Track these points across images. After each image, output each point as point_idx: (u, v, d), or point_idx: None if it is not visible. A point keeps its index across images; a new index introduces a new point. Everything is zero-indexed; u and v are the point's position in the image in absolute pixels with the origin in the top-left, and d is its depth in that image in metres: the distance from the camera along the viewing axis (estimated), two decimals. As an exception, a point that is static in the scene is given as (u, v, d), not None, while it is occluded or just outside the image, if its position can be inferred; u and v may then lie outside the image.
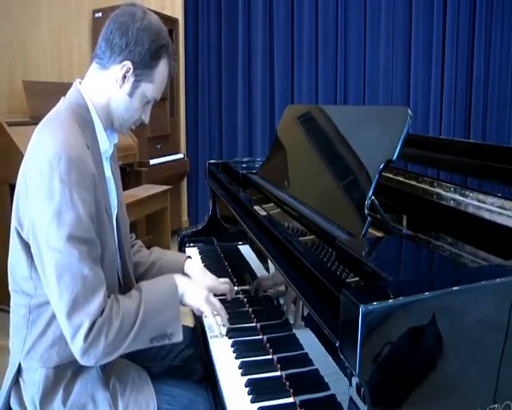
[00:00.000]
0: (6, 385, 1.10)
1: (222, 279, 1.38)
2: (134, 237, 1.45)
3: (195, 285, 1.21)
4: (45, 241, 0.95)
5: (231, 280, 1.58)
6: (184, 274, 1.33)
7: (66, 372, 1.06)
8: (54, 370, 1.05)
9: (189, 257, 1.40)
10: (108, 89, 1.10)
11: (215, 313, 1.21)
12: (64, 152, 0.95)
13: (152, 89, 1.11)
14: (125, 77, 1.08)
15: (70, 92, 1.11)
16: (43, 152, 0.97)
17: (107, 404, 1.05)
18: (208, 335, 1.27)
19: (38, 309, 1.05)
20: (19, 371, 1.09)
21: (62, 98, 1.12)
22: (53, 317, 1.02)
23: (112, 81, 1.09)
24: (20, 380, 1.09)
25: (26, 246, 1.03)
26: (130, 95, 1.10)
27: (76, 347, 0.96)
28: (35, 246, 0.99)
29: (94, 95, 1.11)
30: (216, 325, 1.21)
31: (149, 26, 1.07)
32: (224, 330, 1.24)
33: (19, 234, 1.04)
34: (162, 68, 1.11)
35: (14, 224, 1.05)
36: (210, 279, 1.34)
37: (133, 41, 1.05)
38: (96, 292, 0.96)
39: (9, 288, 1.11)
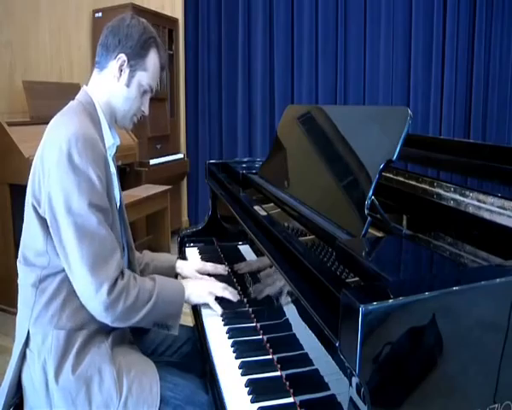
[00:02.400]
0: (13, 362, 1.13)
1: (208, 263, 1.58)
2: None
3: (197, 285, 1.35)
4: (65, 208, 1.04)
5: (231, 280, 1.59)
6: (176, 274, 1.54)
7: (76, 339, 1.11)
8: (64, 333, 1.10)
9: (179, 257, 1.60)
10: (108, 85, 1.23)
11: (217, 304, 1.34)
12: (81, 133, 1.07)
13: (146, 76, 1.23)
14: (121, 70, 1.21)
15: (79, 94, 1.24)
16: (61, 133, 1.07)
17: (113, 380, 1.09)
18: (208, 336, 1.27)
19: (48, 278, 1.12)
20: (27, 341, 1.12)
21: (72, 101, 1.23)
22: (62, 282, 1.11)
23: (110, 77, 1.22)
24: (28, 352, 1.12)
25: (43, 222, 1.10)
26: (128, 85, 1.22)
27: (99, 301, 1.05)
28: (52, 217, 1.07)
29: (97, 94, 1.23)
30: (219, 310, 1.34)
31: (137, 23, 1.22)
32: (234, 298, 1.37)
33: (36, 211, 1.11)
34: (153, 57, 1.23)
35: (30, 201, 1.12)
36: (197, 264, 1.59)
37: (124, 36, 1.19)
38: (113, 253, 1.08)
39: (18, 262, 1.17)
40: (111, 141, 1.24)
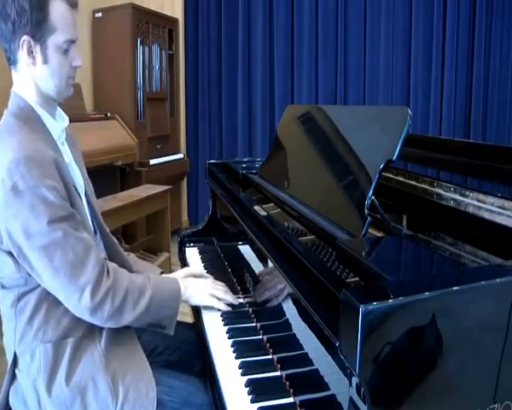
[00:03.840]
0: (4, 383, 1.12)
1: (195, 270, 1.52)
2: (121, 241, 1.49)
3: (197, 286, 1.31)
4: (26, 237, 0.99)
5: (231, 280, 1.59)
6: None
7: (64, 349, 1.08)
8: (52, 345, 1.07)
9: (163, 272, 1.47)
10: (29, 75, 1.10)
11: (221, 302, 1.30)
12: (20, 156, 0.99)
13: (59, 34, 1.07)
14: (31, 52, 1.06)
15: (10, 101, 1.13)
16: (1, 163, 1.00)
17: (108, 387, 1.06)
18: (208, 336, 1.27)
19: (26, 296, 1.08)
20: (15, 362, 1.10)
21: (5, 111, 1.13)
22: (42, 296, 1.07)
23: (26, 67, 1.08)
24: (17, 371, 1.10)
25: (10, 253, 1.05)
26: (46, 61, 1.08)
27: (84, 307, 1.03)
28: (16, 248, 1.02)
29: (26, 91, 1.11)
30: (225, 308, 1.31)
31: None
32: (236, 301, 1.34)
33: None
34: (57, 8, 1.06)
35: None
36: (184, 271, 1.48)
37: (15, 15, 1.02)
38: (87, 254, 1.04)
39: None
40: (59, 128, 1.16)
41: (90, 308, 1.03)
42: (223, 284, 1.36)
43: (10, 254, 1.05)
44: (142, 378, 1.10)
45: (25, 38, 1.04)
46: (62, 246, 1.01)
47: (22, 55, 1.06)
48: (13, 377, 1.11)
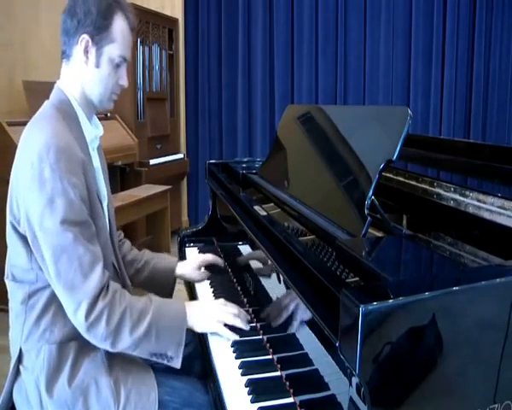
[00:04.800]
0: (8, 378, 1.12)
1: (208, 254, 1.55)
2: (122, 234, 1.50)
3: (203, 312, 1.19)
4: (40, 227, 1.00)
5: (231, 280, 1.59)
6: (174, 277, 1.46)
7: (69, 350, 1.08)
8: (57, 346, 1.08)
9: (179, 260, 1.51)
10: (78, 73, 1.14)
11: (228, 331, 1.18)
12: (52, 142, 1.00)
13: (116, 48, 1.13)
14: (87, 51, 1.11)
15: (52, 93, 1.16)
16: (32, 146, 1.02)
17: (110, 390, 1.07)
18: (208, 336, 1.27)
19: (37, 294, 1.08)
20: (19, 358, 1.10)
21: (46, 102, 1.16)
22: (51, 297, 1.07)
23: (78, 63, 1.13)
24: (21, 368, 1.10)
25: (25, 240, 1.06)
26: (98, 65, 1.13)
27: (78, 325, 1.01)
28: (31, 235, 1.03)
29: (70, 88, 1.15)
30: (232, 337, 1.18)
31: None
32: (246, 327, 1.20)
33: (15, 229, 1.07)
34: (119, 23, 1.13)
35: (9, 219, 1.08)
36: (196, 260, 1.52)
37: (82, 14, 1.09)
38: (93, 269, 1.01)
39: (6, 279, 1.13)
40: (92, 134, 1.18)
41: (85, 325, 1.00)
42: (234, 305, 1.23)
43: (24, 241, 1.06)
44: (143, 381, 1.11)
45: (84, 36, 1.10)
46: (69, 252, 0.99)
47: (78, 50, 1.11)
48: (17, 372, 1.12)
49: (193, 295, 1.55)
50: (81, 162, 1.05)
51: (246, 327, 1.19)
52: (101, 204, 1.16)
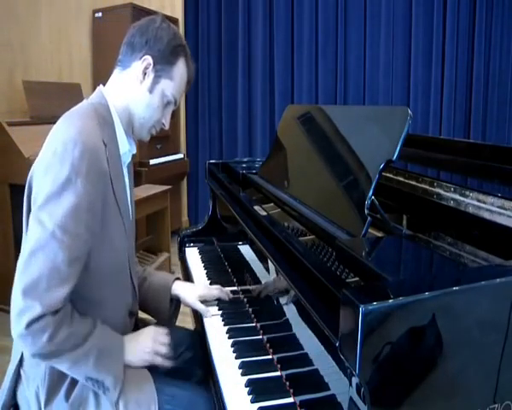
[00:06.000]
0: (8, 379, 1.11)
1: (213, 286, 1.44)
2: None
3: (134, 349, 1.13)
4: (37, 212, 0.95)
5: (231, 280, 1.59)
6: (172, 295, 1.35)
7: None
8: None
9: (178, 278, 1.41)
10: (129, 87, 1.13)
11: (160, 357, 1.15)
12: (80, 139, 0.97)
13: (172, 87, 1.13)
14: (145, 73, 1.11)
15: (93, 94, 1.14)
16: (60, 135, 0.99)
17: (109, 401, 1.05)
18: (208, 336, 1.27)
19: None
20: (20, 362, 1.09)
21: (85, 100, 1.14)
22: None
23: (133, 78, 1.12)
24: (22, 372, 1.09)
25: None
26: (151, 91, 1.12)
27: (17, 327, 0.92)
28: (31, 213, 0.98)
29: (115, 96, 1.13)
30: (164, 363, 1.16)
31: (168, 26, 1.13)
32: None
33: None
34: (181, 67, 1.14)
35: (26, 204, 1.05)
36: (201, 288, 1.40)
37: (153, 37, 1.10)
38: (59, 287, 0.93)
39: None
40: (126, 147, 1.14)
41: (23, 331, 0.92)
42: (164, 330, 1.20)
43: None
44: (143, 391, 1.08)
45: (149, 57, 1.10)
46: (48, 255, 0.93)
47: (137, 66, 1.11)
48: (18, 375, 1.10)
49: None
50: (103, 173, 1.01)
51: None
52: (124, 220, 1.11)
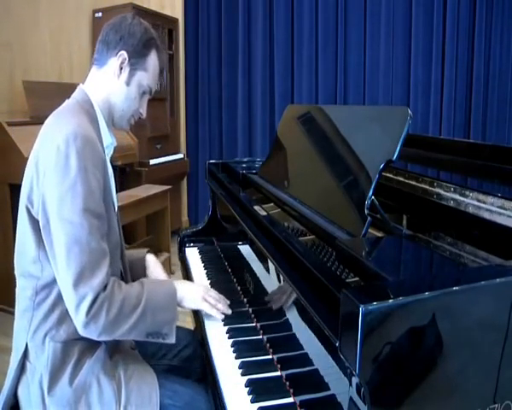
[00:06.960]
0: (11, 373, 1.11)
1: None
2: None
3: (191, 289, 1.26)
4: (57, 213, 1.00)
5: (231, 280, 1.59)
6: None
7: (73, 349, 1.09)
8: (61, 345, 1.08)
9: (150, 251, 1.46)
10: (107, 83, 1.20)
11: (214, 308, 1.26)
12: (79, 132, 1.03)
13: (147, 77, 1.21)
14: (121, 68, 1.18)
15: (75, 92, 1.20)
16: (59, 133, 1.03)
17: (112, 389, 1.07)
18: (208, 336, 1.27)
19: (44, 290, 1.09)
20: (25, 354, 1.10)
21: (67, 99, 1.19)
22: (60, 295, 1.06)
23: (110, 74, 1.19)
24: (27, 363, 1.10)
25: (36, 224, 1.07)
26: (128, 83, 1.20)
27: (79, 318, 1.00)
28: (44, 220, 1.03)
29: (95, 92, 1.19)
30: (218, 315, 1.27)
31: (139, 22, 1.21)
32: (228, 311, 1.30)
33: (29, 212, 1.08)
34: (154, 58, 1.22)
35: (24, 202, 1.09)
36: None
37: (127, 34, 1.18)
38: (100, 266, 1.02)
39: (15, 272, 1.15)
40: (109, 141, 1.21)
41: (85, 320, 1.00)
42: (216, 292, 1.31)
43: (35, 226, 1.07)
44: (145, 382, 1.11)
45: (124, 53, 1.17)
46: (82, 244, 1.00)
47: (114, 62, 1.18)
48: (22, 368, 1.11)
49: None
50: (103, 160, 1.08)
51: (227, 311, 1.28)
52: (114, 207, 1.18)
